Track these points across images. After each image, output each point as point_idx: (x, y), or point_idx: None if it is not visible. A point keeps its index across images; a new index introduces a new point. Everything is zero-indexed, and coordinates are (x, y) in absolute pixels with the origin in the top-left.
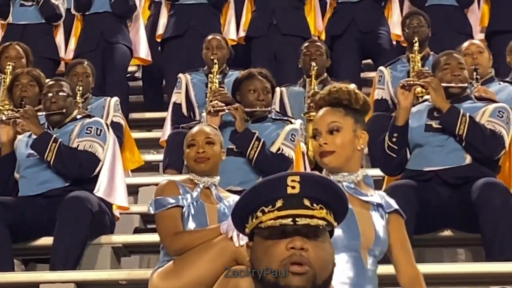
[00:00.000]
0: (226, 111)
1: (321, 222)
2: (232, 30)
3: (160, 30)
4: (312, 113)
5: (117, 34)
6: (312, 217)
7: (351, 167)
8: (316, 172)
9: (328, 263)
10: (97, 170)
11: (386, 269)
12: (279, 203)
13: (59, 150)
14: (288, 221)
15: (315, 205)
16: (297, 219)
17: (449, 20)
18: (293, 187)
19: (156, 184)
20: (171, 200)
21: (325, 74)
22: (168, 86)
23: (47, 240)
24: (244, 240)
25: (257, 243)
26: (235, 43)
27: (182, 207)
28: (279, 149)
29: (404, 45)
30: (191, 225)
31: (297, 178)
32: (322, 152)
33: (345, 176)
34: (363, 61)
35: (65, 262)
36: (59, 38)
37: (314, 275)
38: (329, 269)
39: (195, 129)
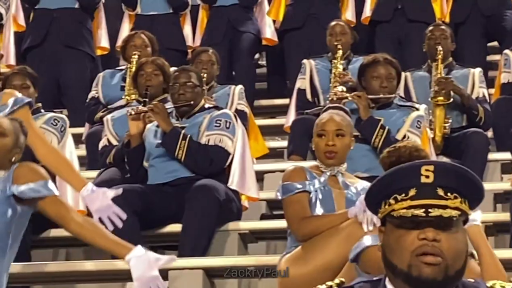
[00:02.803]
0: (349, 98)
1: (454, 212)
2: (351, 13)
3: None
4: (439, 98)
5: (245, 22)
6: (445, 207)
7: None
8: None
9: (461, 254)
10: (227, 163)
11: None
12: (412, 192)
13: (189, 147)
14: (421, 211)
15: (449, 194)
16: (429, 210)
17: None
18: (427, 176)
19: (281, 171)
20: (298, 186)
21: (450, 59)
22: (290, 74)
23: (175, 227)
24: (372, 225)
25: (389, 230)
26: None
27: (309, 192)
28: (404, 136)
29: None
30: (318, 210)
31: (431, 167)
32: None
33: None
34: (489, 44)
35: (193, 249)
36: (187, 27)
37: (446, 266)
38: (462, 260)
39: (325, 117)
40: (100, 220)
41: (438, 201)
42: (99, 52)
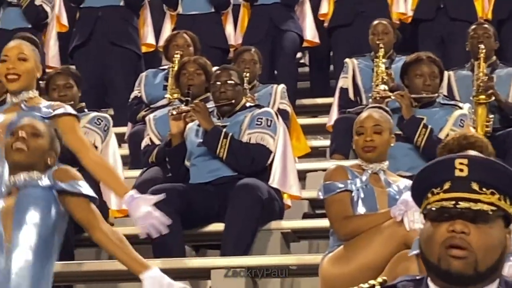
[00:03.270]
0: (392, 97)
1: (486, 207)
2: (401, 5)
3: (323, 9)
4: (481, 96)
5: (287, 21)
6: (476, 201)
7: None
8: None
9: (493, 250)
10: (268, 161)
11: None
12: (446, 185)
13: (230, 145)
14: (450, 203)
15: (484, 189)
16: (459, 202)
17: None
18: (461, 170)
19: (324, 170)
20: (340, 185)
21: (494, 57)
22: (336, 72)
23: (217, 227)
24: (414, 224)
25: (425, 224)
26: (405, 16)
27: (351, 191)
28: (447, 135)
29: None
30: (361, 209)
31: (465, 161)
32: None
33: None
34: None
35: (236, 248)
36: (229, 25)
37: (475, 260)
38: (495, 256)
39: (364, 115)
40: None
41: (471, 195)
42: (145, 49)
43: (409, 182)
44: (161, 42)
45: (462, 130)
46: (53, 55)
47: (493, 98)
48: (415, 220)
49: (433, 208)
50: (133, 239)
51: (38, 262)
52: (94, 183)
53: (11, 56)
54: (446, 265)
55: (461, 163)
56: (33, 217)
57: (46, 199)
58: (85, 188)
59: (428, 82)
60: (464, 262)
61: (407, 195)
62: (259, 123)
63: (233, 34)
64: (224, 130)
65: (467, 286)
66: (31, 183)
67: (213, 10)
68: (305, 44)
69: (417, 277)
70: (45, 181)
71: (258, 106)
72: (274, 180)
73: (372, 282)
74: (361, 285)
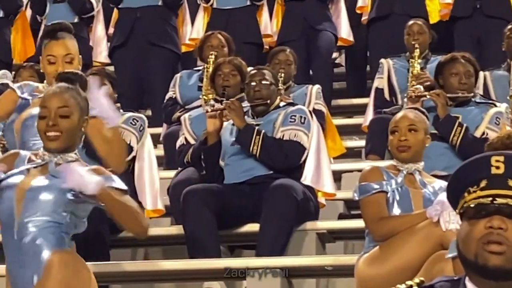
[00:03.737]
0: (428, 96)
1: None
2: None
3: (361, 1)
4: None
5: (322, 20)
6: None
7: None
8: None
9: None
10: (302, 158)
11: None
12: (483, 183)
13: (263, 142)
14: (487, 200)
15: None
16: (496, 198)
17: None
18: (497, 167)
19: (359, 170)
20: (376, 186)
21: None
22: (372, 72)
23: (252, 227)
24: (450, 224)
25: (462, 224)
26: (450, 7)
27: (387, 192)
28: (483, 133)
29: None
30: (396, 210)
31: (501, 158)
32: None
33: None
34: None
35: (272, 249)
36: (264, 17)
37: None
38: None
39: (399, 114)
40: None
41: (507, 191)
42: (185, 49)
43: (444, 183)
44: (194, 34)
45: (499, 130)
46: (101, 50)
47: None
48: (450, 221)
49: (471, 205)
50: (168, 240)
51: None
52: (128, 183)
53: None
54: (483, 260)
55: (497, 161)
56: (46, 196)
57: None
58: (118, 182)
59: (464, 80)
60: (502, 257)
61: (443, 196)
62: (292, 120)
63: (269, 24)
64: (257, 127)
65: (505, 281)
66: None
67: (248, 3)
68: (339, 43)
69: (455, 277)
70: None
71: (292, 104)
72: (307, 178)
73: (409, 282)
74: (398, 285)
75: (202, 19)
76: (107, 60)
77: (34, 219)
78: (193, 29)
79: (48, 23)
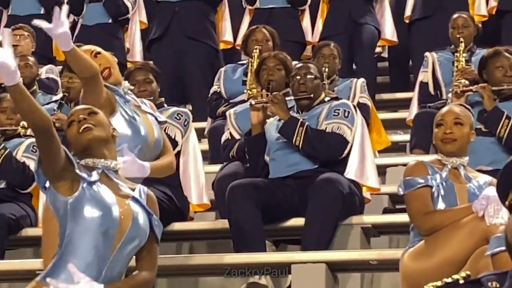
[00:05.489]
0: (473, 90)
1: None
2: (482, 5)
3: (408, 11)
4: None
5: (365, 15)
6: None
7: None
8: None
9: None
10: (345, 151)
11: None
12: None
13: (306, 133)
14: None
15: None
16: None
17: None
18: None
19: (404, 165)
20: (420, 180)
21: None
22: (415, 66)
23: (297, 221)
24: (494, 219)
25: (511, 219)
26: (485, 18)
27: (431, 187)
28: None
29: None
30: (441, 205)
31: None
32: None
33: None
34: None
35: (317, 243)
36: (306, 21)
37: None
38: None
39: (444, 108)
40: None
41: None
42: (222, 46)
43: (489, 178)
44: (240, 38)
45: None
46: (138, 51)
47: None
48: (495, 215)
49: None
50: (213, 234)
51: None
52: (174, 177)
53: None
54: None
55: None
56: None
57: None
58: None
59: (509, 73)
60: None
61: (489, 190)
62: (336, 114)
63: (310, 30)
64: (301, 120)
65: None
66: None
67: (289, 5)
68: (383, 43)
69: (502, 271)
70: (136, 193)
71: (336, 99)
72: (350, 172)
73: (456, 276)
74: (445, 279)
75: (248, 23)
76: (142, 60)
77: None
78: (239, 33)
79: (84, 23)
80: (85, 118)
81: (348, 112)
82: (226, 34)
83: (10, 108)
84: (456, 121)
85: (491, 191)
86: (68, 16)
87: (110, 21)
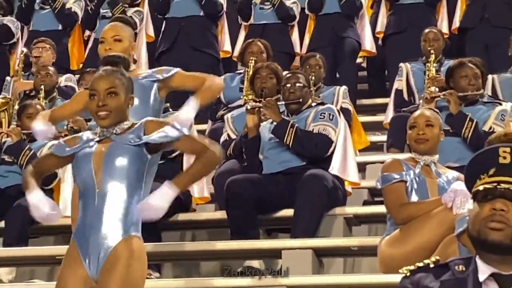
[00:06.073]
0: (441, 96)
1: None
2: (444, 25)
3: (378, 28)
4: None
5: (347, 29)
6: None
7: None
8: None
9: None
10: (330, 150)
11: None
12: (491, 171)
13: (296, 134)
14: (492, 186)
15: None
16: (501, 184)
17: None
18: (504, 157)
19: (381, 162)
20: (396, 176)
21: None
22: (390, 75)
23: (287, 212)
24: (461, 209)
25: (474, 206)
26: (447, 36)
27: (406, 181)
28: (490, 128)
29: None
30: (414, 197)
31: (508, 149)
32: None
33: None
34: None
35: (305, 231)
36: (295, 35)
37: None
38: None
39: (417, 112)
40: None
41: (511, 179)
42: (222, 55)
43: (457, 174)
44: (237, 50)
45: (505, 125)
46: (144, 62)
47: None
48: (461, 207)
49: (480, 189)
50: (212, 224)
51: (125, 202)
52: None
53: (100, 91)
54: (484, 236)
55: (504, 151)
56: (121, 165)
57: (135, 151)
58: (174, 131)
59: (473, 82)
60: (501, 234)
61: (456, 184)
62: (322, 117)
63: (298, 42)
64: (291, 122)
65: (505, 255)
66: (122, 137)
67: (279, 21)
68: (364, 54)
69: (467, 256)
70: (135, 137)
71: (322, 103)
72: (334, 168)
73: (427, 261)
74: (417, 264)
75: (243, 37)
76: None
77: (112, 185)
78: (236, 46)
79: (97, 37)
80: (104, 104)
81: (333, 115)
82: (226, 44)
83: (35, 114)
84: (427, 123)
85: (459, 185)
86: (83, 31)
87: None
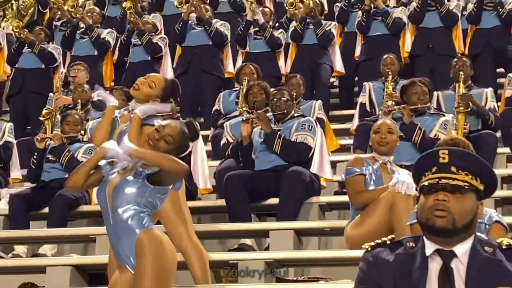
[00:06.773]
0: (397, 109)
1: (461, 183)
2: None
3: (357, 53)
4: (460, 108)
5: (322, 56)
6: (454, 179)
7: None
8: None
9: (466, 213)
10: (310, 155)
11: None
12: (433, 169)
13: (283, 143)
14: (435, 181)
15: (460, 171)
16: (442, 179)
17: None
18: (443, 158)
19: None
20: (357, 170)
21: (470, 81)
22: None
23: (274, 201)
24: (404, 190)
25: (420, 198)
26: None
27: (365, 175)
28: (435, 135)
29: None
30: (372, 188)
31: (446, 152)
32: None
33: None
34: (497, 70)
35: (288, 216)
36: (281, 60)
37: (453, 219)
38: (468, 217)
39: (380, 121)
40: None
41: (450, 175)
42: (227, 75)
43: (406, 171)
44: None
45: (447, 133)
46: None
47: (469, 109)
48: (402, 188)
49: (425, 184)
50: (214, 210)
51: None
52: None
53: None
54: (432, 222)
55: (443, 153)
56: (129, 191)
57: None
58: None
59: (421, 97)
60: (444, 220)
61: (398, 175)
62: (303, 127)
63: (284, 65)
64: (279, 133)
65: (449, 237)
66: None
67: (270, 50)
68: (335, 74)
69: (417, 235)
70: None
71: (303, 116)
72: (314, 167)
73: (384, 238)
74: (377, 240)
75: (241, 62)
76: None
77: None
78: (235, 68)
79: (131, 61)
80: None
81: (311, 126)
82: (229, 67)
83: (73, 122)
84: (388, 130)
85: (401, 175)
86: (113, 56)
87: (149, 58)
